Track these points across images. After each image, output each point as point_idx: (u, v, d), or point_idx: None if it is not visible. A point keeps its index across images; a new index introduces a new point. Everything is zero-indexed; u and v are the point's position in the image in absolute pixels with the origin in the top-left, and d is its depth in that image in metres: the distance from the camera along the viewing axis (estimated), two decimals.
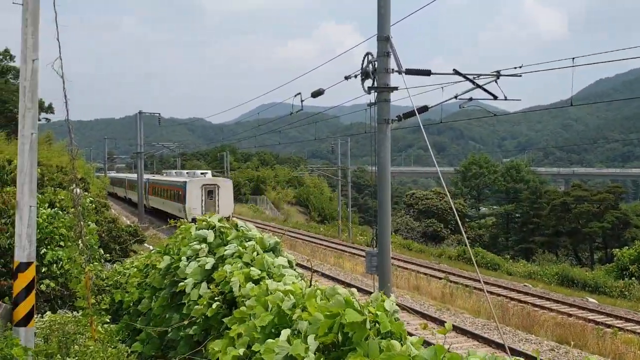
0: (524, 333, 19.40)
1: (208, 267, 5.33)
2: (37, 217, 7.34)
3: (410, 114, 12.96)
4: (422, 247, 54.55)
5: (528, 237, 69.49)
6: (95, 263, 6.58)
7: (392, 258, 16.34)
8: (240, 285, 4.72)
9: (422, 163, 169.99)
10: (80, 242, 6.20)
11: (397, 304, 3.81)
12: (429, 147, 11.11)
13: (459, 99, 14.14)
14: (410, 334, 3.62)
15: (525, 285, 33.05)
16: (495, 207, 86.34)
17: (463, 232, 10.83)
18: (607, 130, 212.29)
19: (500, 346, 16.53)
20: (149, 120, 52.44)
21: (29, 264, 5.39)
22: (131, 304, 6.95)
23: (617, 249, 42.86)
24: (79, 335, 5.65)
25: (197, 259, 5.56)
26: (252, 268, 4.95)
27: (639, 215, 69.99)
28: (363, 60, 13.09)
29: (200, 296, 5.12)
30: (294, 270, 5.32)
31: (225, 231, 6.07)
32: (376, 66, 12.87)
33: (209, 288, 5.10)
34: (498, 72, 13.80)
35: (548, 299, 27.77)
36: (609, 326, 22.36)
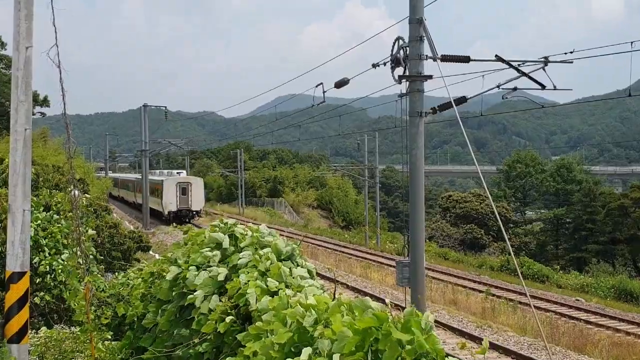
0: (575, 354, 19.16)
1: (220, 277, 5.33)
2: (31, 222, 7.43)
3: (447, 105, 12.88)
4: (460, 256, 54.23)
5: (580, 245, 68.58)
6: (95, 273, 6.63)
7: (426, 268, 16.26)
8: (256, 298, 4.72)
9: (459, 161, 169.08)
10: (78, 249, 6.25)
11: (433, 320, 3.77)
12: (468, 143, 11.04)
13: (502, 88, 14.04)
14: (448, 355, 3.59)
15: (577, 300, 32.68)
16: (543, 211, 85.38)
17: (507, 240, 10.74)
18: None
19: None
20: (155, 114, 52.95)
21: (22, 274, 5.43)
22: (135, 319, 6.98)
23: None
24: (77, 353, 5.70)
25: (208, 269, 5.57)
26: (269, 279, 4.95)
27: None
28: (393, 46, 13.05)
29: (211, 310, 5.12)
30: (315, 280, 5.30)
31: (239, 236, 6.07)
32: (408, 52, 12.83)
33: (220, 301, 5.12)
34: (546, 58, 13.68)
35: (603, 315, 27.42)
36: None
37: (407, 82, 13.03)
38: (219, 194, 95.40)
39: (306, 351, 3.65)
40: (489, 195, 11.72)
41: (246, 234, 6.07)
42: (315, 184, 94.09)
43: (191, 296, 5.42)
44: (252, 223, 6.48)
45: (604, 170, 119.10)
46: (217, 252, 5.71)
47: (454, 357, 3.57)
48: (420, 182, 13.16)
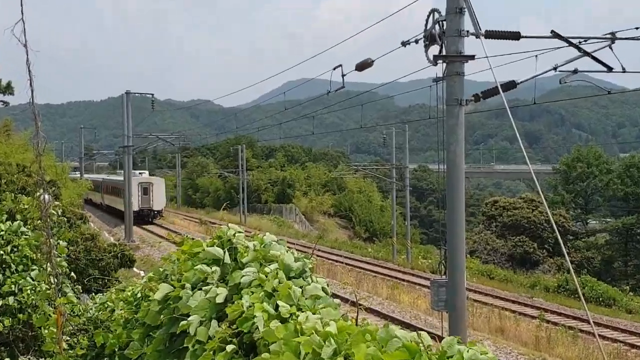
0: None
1: (220, 299, 5.34)
2: None
3: (492, 92, 12.86)
4: (508, 274, 54.03)
5: None
6: (70, 294, 6.67)
7: (467, 289, 16.22)
8: (264, 324, 4.72)
9: (507, 159, 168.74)
10: (49, 266, 6.29)
11: (481, 353, 3.75)
12: (518, 137, 11.01)
13: (559, 71, 13.99)
14: None
15: None
16: (609, 219, 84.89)
17: (565, 254, 10.68)
18: None
19: None
20: (140, 103, 53.20)
21: None
22: (116, 349, 7.02)
23: None
24: None
25: (205, 288, 5.58)
26: (280, 302, 4.95)
27: None
28: (427, 20, 13.05)
29: (210, 337, 5.14)
30: (330, 299, 5.29)
31: (240, 249, 6.07)
32: (445, 27, 12.81)
33: (219, 327, 5.13)
34: (613, 34, 13.62)
35: None
36: None
37: (444, 64, 13.01)
38: (216, 199, 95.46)
39: None
40: (544, 201, 11.69)
41: (249, 247, 6.07)
42: (332, 187, 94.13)
43: (184, 322, 5.44)
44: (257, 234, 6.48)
45: None
46: (217, 269, 5.73)
47: None
48: (459, 184, 13.14)
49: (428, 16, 13.00)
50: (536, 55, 14.17)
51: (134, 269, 26.35)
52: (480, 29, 12.53)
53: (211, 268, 5.78)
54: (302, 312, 4.90)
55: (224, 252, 5.99)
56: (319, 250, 48.11)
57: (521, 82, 13.44)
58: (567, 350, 23.64)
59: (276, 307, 5.02)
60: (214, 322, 5.26)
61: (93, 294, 10.83)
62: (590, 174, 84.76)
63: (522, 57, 14.45)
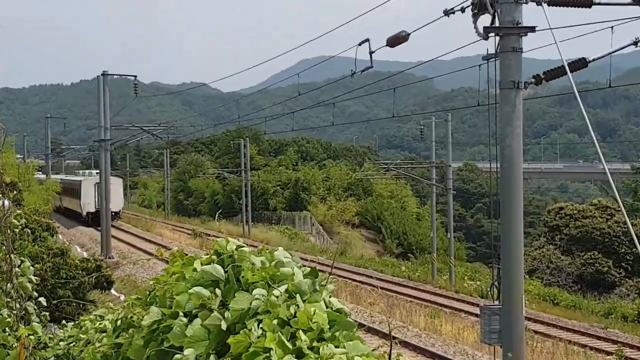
0: None
1: (222, 328, 5.36)
2: None
3: (557, 72, 12.83)
4: (577, 299, 53.87)
5: None
6: (35, 322, 6.71)
7: (526, 318, 16.19)
8: None
9: (575, 156, 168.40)
10: (9, 287, 6.33)
11: None
12: (590, 128, 10.97)
13: None
14: None
15: None
16: None
17: None
18: None
19: None
20: (119, 87, 53.35)
21: None
22: None
23: None
24: None
25: (201, 313, 5.59)
26: (300, 333, 4.95)
27: None
28: None
29: None
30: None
31: (244, 266, 6.06)
32: None
33: None
34: None
35: None
36: None
37: (497, 37, 12.98)
38: (214, 206, 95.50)
39: None
40: (622, 208, 11.64)
41: (255, 264, 6.07)
42: (357, 190, 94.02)
43: (178, 356, 5.45)
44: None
45: None
46: (218, 291, 5.73)
47: None
48: (516, 187, 13.11)
49: None
50: (612, 27, 14.15)
51: (112, 291, 26.49)
52: None
53: (210, 291, 5.79)
54: (324, 342, 4.90)
55: (225, 271, 6.00)
56: (340, 269, 48.20)
57: (593, 60, 13.39)
58: None
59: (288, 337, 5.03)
60: (212, 358, 5.28)
61: (64, 321, 10.89)
62: None
63: (595, 29, 14.42)
